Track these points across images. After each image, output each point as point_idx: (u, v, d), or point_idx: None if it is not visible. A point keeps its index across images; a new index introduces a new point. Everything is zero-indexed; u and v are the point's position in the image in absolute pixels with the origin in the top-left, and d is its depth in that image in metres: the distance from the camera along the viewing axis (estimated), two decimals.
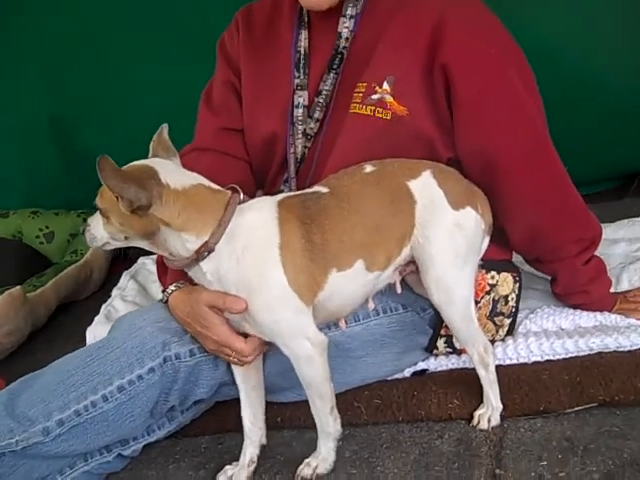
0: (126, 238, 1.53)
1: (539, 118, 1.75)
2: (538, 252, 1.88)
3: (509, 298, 1.88)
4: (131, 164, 1.51)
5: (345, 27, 1.73)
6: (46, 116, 3.25)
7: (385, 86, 1.68)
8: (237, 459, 1.72)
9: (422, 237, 1.61)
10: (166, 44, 3.00)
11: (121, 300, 2.40)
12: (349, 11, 1.74)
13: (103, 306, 2.41)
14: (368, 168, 1.64)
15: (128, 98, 3.13)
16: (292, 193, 1.61)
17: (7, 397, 1.65)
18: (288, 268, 1.50)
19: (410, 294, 1.80)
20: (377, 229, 1.59)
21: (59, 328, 2.70)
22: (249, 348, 1.61)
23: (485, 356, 1.70)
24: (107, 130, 3.20)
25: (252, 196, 1.61)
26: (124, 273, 2.65)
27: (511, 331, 1.92)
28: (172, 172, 1.51)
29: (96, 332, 2.22)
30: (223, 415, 1.86)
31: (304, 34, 1.80)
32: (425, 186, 1.63)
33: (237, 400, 1.76)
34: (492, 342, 1.81)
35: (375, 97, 1.69)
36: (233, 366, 1.68)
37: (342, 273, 1.56)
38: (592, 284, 1.90)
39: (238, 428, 1.80)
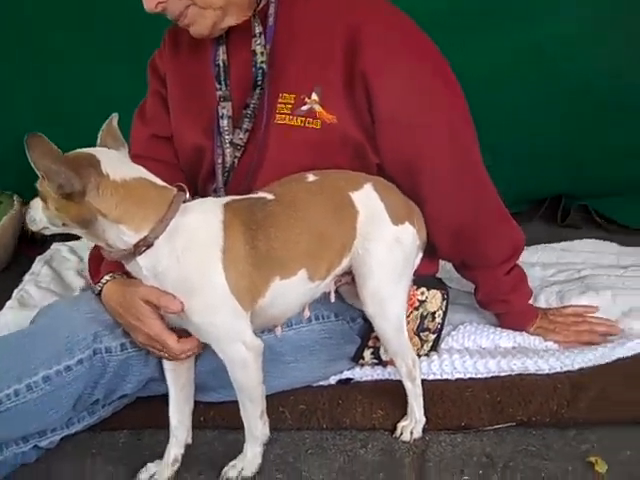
0: (64, 225, 1.49)
1: (459, 118, 1.79)
2: (463, 255, 1.93)
3: (436, 315, 1.93)
4: (74, 151, 1.46)
5: (258, 44, 1.73)
6: None
7: (314, 96, 1.69)
8: (157, 456, 1.69)
9: (362, 249, 1.64)
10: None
11: (35, 286, 2.30)
12: (257, 29, 1.74)
13: (15, 291, 2.30)
14: (311, 177, 1.65)
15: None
16: (238, 197, 1.60)
17: None
18: (230, 273, 1.49)
19: (341, 303, 1.83)
20: (321, 238, 1.60)
21: None
22: (181, 347, 1.59)
23: (413, 370, 1.74)
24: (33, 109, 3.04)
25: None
26: (37, 258, 2.53)
27: (435, 347, 1.97)
28: (114, 163, 1.47)
29: (8, 318, 2.12)
30: (144, 411, 1.82)
31: (222, 48, 1.80)
32: (367, 198, 1.66)
33: (159, 396, 1.74)
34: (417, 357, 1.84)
35: (305, 108, 1.70)
36: (164, 364, 1.65)
37: (285, 281, 1.57)
38: (513, 293, 1.98)
39: (159, 425, 1.78)
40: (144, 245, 1.46)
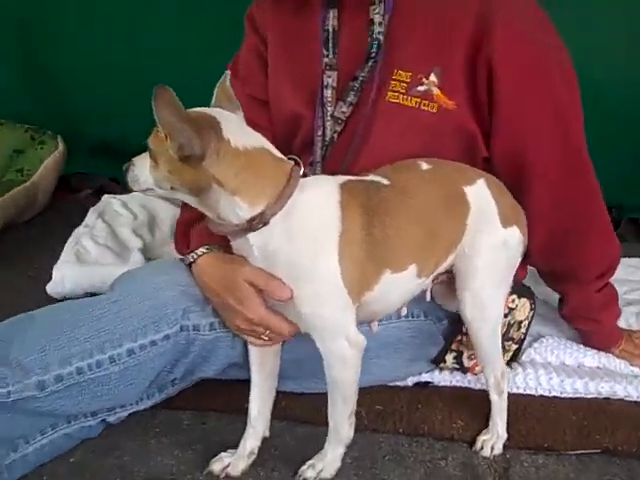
0: (172, 188, 1.36)
1: (575, 117, 1.68)
2: (557, 265, 1.82)
3: (522, 324, 1.83)
4: (194, 109, 1.34)
5: (376, 13, 1.61)
6: (14, 19, 2.92)
7: (432, 77, 1.58)
8: (225, 443, 1.60)
9: (469, 247, 1.54)
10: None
11: (92, 240, 2.17)
12: None
13: (69, 243, 2.17)
14: (424, 165, 1.54)
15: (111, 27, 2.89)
16: (353, 178, 1.48)
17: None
18: (344, 260, 1.38)
19: (430, 302, 1.71)
20: (433, 232, 1.50)
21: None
22: (292, 328, 1.48)
23: (501, 382, 1.66)
24: (77, 51, 2.93)
25: None
26: (90, 210, 2.40)
27: (515, 357, 1.88)
28: (236, 128, 1.35)
29: (65, 272, 2.01)
30: (209, 392, 1.72)
31: (332, 12, 1.67)
32: (480, 195, 1.56)
33: (224, 380, 1.67)
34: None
35: (421, 89, 1.58)
36: (251, 350, 1.55)
37: (394, 275, 1.46)
38: (603, 312, 1.88)
39: (224, 409, 1.72)
40: (260, 222, 1.34)
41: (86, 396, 1.46)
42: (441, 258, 1.53)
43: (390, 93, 1.60)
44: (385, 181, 1.47)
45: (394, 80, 1.60)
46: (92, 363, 1.44)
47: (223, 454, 1.56)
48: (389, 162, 1.55)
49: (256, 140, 1.37)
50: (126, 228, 2.27)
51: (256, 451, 1.56)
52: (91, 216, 2.35)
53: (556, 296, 1.96)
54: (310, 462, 1.53)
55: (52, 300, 2.04)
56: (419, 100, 1.58)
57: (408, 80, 1.59)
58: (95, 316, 1.47)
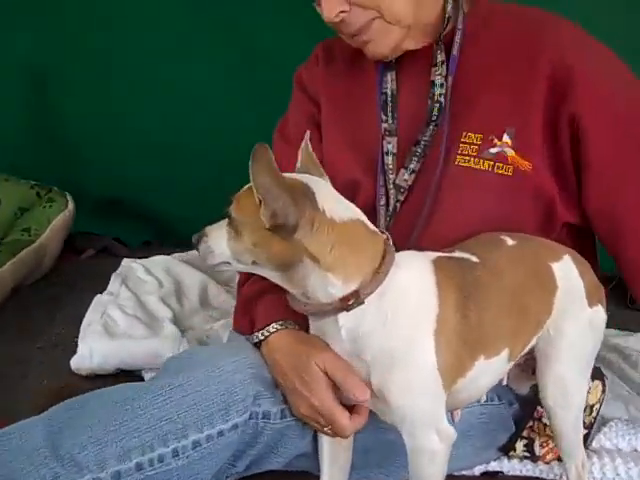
0: (254, 263, 1.22)
1: None
2: None
3: (594, 408, 1.69)
4: (285, 174, 1.21)
5: (438, 74, 1.53)
6: (18, 67, 2.80)
7: (505, 138, 1.48)
8: None
9: (554, 329, 1.42)
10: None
11: (119, 310, 2.01)
12: (439, 57, 1.53)
13: (94, 313, 2.01)
14: (509, 241, 1.43)
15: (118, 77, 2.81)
16: (442, 254, 1.36)
17: (47, 428, 1.27)
18: (441, 346, 1.25)
19: (500, 385, 1.59)
20: (523, 313, 1.37)
21: (3, 317, 2.25)
22: (354, 426, 1.34)
23: (582, 473, 1.53)
24: (86, 104, 2.84)
25: None
26: (113, 275, 2.24)
27: (585, 443, 1.73)
28: (329, 197, 1.23)
29: (93, 345, 1.84)
30: None
31: (390, 75, 1.59)
32: (566, 272, 1.44)
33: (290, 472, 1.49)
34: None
35: (494, 151, 1.48)
36: (322, 441, 1.40)
37: (488, 361, 1.33)
38: None
39: None
40: (356, 302, 1.21)
41: None
42: (529, 340, 1.41)
43: (460, 157, 1.49)
44: (474, 258, 1.36)
45: (463, 143, 1.50)
46: (153, 458, 1.27)
47: None
48: (461, 231, 1.45)
49: (351, 211, 1.25)
50: (152, 296, 2.12)
51: None
52: (114, 283, 2.19)
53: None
54: None
55: (73, 375, 1.87)
56: (492, 163, 1.48)
57: (479, 142, 1.49)
58: (157, 403, 1.30)
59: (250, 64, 2.68)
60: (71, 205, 2.66)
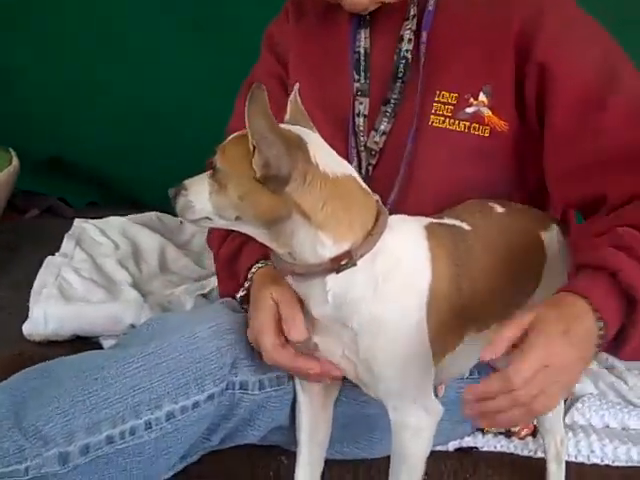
0: (237, 218, 1.13)
1: None
2: None
3: None
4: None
5: (407, 29, 1.46)
6: None
7: (481, 97, 1.41)
8: None
9: (540, 300, 1.33)
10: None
11: (74, 273, 1.87)
12: (412, 11, 1.46)
13: (47, 276, 1.87)
14: (498, 208, 1.38)
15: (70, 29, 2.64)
16: (434, 219, 1.29)
17: (10, 399, 1.17)
18: (431, 317, 1.19)
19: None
20: (513, 285, 1.31)
21: None
22: (273, 356, 1.25)
23: (561, 449, 1.52)
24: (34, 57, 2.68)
25: None
26: (66, 236, 2.09)
27: None
28: (322, 150, 1.15)
29: (48, 309, 1.71)
30: (234, 459, 1.47)
31: (364, 32, 1.51)
32: (554, 242, 1.40)
33: (250, 446, 1.42)
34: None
35: (470, 110, 1.41)
36: (300, 413, 1.33)
37: (478, 335, 1.28)
38: None
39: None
40: (349, 262, 1.13)
41: (112, 471, 1.20)
42: (516, 312, 1.34)
43: (434, 117, 1.42)
44: (466, 226, 1.30)
45: (437, 102, 1.42)
46: (125, 430, 1.19)
47: None
48: (437, 194, 1.40)
49: (344, 167, 1.17)
50: (109, 259, 1.99)
51: None
52: (68, 244, 2.05)
53: None
54: None
55: (25, 342, 1.75)
56: (468, 123, 1.41)
57: (454, 102, 1.41)
58: (128, 371, 1.21)
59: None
60: (15, 161, 2.48)
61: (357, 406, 1.40)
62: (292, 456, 1.37)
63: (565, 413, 1.73)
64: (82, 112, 2.72)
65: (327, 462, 1.46)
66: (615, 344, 1.17)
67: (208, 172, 1.15)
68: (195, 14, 2.58)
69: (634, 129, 1.33)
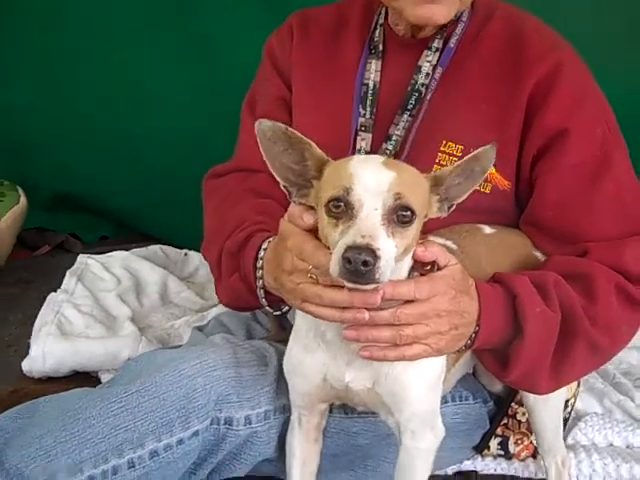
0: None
1: None
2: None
3: (569, 403, 1.65)
4: None
5: (427, 60, 1.43)
6: None
7: None
8: None
9: None
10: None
11: (74, 309, 1.91)
12: (435, 43, 1.44)
13: (47, 312, 1.91)
14: (487, 229, 1.39)
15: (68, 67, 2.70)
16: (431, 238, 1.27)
17: None
18: None
19: (475, 383, 1.54)
20: None
21: None
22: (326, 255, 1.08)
23: (562, 470, 1.52)
24: (26, 89, 2.75)
25: None
26: (68, 272, 2.14)
27: None
28: None
29: (46, 347, 1.74)
30: None
31: (375, 65, 1.47)
32: None
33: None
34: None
35: None
36: (294, 447, 1.32)
37: (468, 351, 1.30)
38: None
39: None
40: None
41: None
42: None
43: (437, 167, 1.39)
44: (452, 245, 1.31)
45: (442, 152, 1.40)
46: (107, 470, 1.19)
47: None
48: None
49: None
50: (110, 294, 2.03)
51: None
52: (69, 280, 2.09)
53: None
54: None
55: (25, 378, 1.77)
56: None
57: (459, 154, 1.39)
58: (111, 411, 1.21)
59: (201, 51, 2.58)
60: (23, 199, 2.54)
61: (347, 437, 1.39)
62: None
63: (568, 433, 1.72)
64: (88, 150, 2.78)
65: None
66: (499, 366, 1.29)
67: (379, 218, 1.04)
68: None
69: (616, 213, 1.37)
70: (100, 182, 2.83)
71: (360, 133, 1.46)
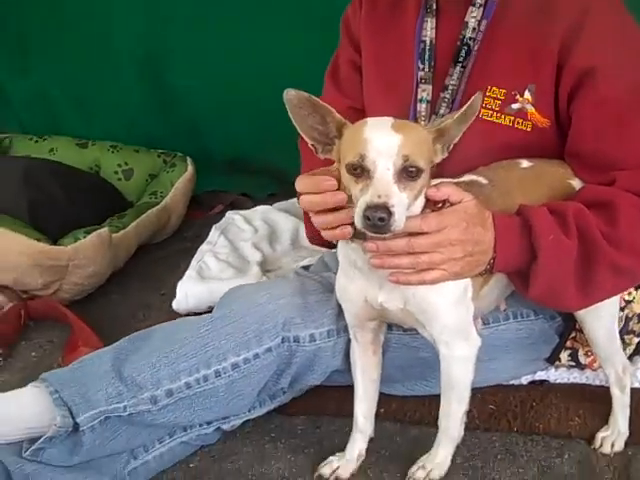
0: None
1: None
2: None
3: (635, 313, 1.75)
4: None
5: (473, 16, 1.56)
6: (136, 51, 3.09)
7: (527, 95, 1.52)
8: (336, 447, 1.64)
9: None
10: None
11: (214, 257, 2.27)
12: None
13: (193, 261, 2.29)
14: (524, 163, 1.53)
15: (227, 50, 2.97)
16: (449, 180, 1.45)
17: (114, 357, 1.55)
18: None
19: None
20: None
21: (135, 272, 2.58)
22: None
23: (623, 377, 1.62)
24: (200, 74, 3.05)
25: None
26: (214, 227, 2.51)
27: (638, 350, 1.80)
28: None
29: (188, 289, 2.11)
30: (322, 398, 1.77)
31: (430, 22, 1.62)
32: None
33: (337, 386, 1.70)
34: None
35: (515, 106, 1.53)
36: (355, 358, 1.57)
37: None
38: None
39: (337, 413, 1.75)
40: None
41: (197, 408, 1.54)
42: None
43: (484, 111, 1.54)
44: (483, 180, 1.47)
45: (488, 97, 1.55)
46: (199, 377, 1.52)
47: (332, 458, 1.59)
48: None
49: None
50: (247, 243, 2.36)
51: (364, 453, 1.59)
52: (214, 233, 2.45)
53: None
54: (420, 463, 1.55)
55: (180, 316, 2.15)
56: (513, 118, 1.54)
57: (502, 97, 1.54)
58: (201, 333, 1.55)
59: None
60: (191, 167, 2.93)
61: (409, 351, 1.61)
62: None
63: None
64: (253, 119, 3.03)
65: (397, 397, 1.74)
66: (523, 286, 1.44)
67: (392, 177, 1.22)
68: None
69: None
70: (265, 146, 3.14)
71: (420, 85, 1.64)
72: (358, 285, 1.43)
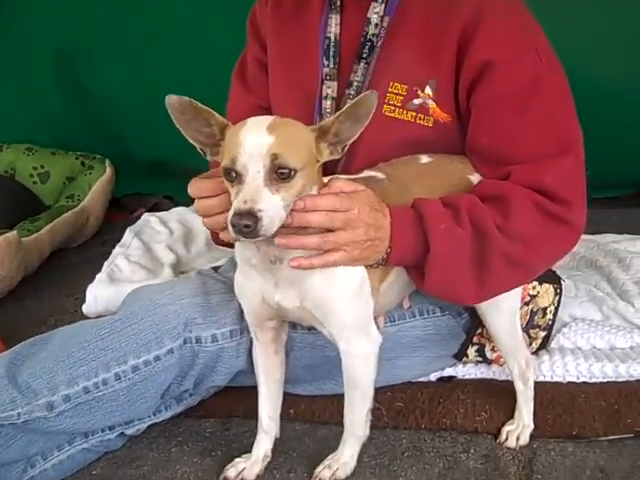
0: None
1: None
2: None
3: (547, 310, 1.78)
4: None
5: (375, 12, 1.57)
6: (52, 51, 3.05)
7: (427, 90, 1.53)
8: (245, 449, 1.61)
9: None
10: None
11: (125, 259, 2.24)
12: None
13: (105, 264, 2.25)
14: (424, 159, 1.53)
15: (146, 50, 2.96)
16: (346, 176, 1.46)
17: (9, 362, 1.50)
18: None
19: None
20: None
21: (49, 276, 2.53)
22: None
23: (526, 370, 1.64)
24: (120, 75, 3.02)
25: None
26: (128, 229, 2.48)
27: (544, 345, 1.83)
28: None
29: (97, 292, 2.08)
30: (231, 400, 1.74)
31: (335, 18, 1.63)
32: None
33: (247, 387, 1.66)
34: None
35: (417, 102, 1.54)
36: (257, 358, 1.56)
37: None
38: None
39: (246, 415, 1.73)
40: None
41: (97, 413, 1.50)
42: None
43: (386, 106, 1.55)
44: (380, 175, 1.47)
45: (390, 93, 1.55)
46: (98, 382, 1.48)
47: (237, 459, 1.57)
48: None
49: None
50: (161, 244, 2.33)
51: (270, 453, 1.58)
52: (128, 235, 2.42)
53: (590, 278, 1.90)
54: (326, 462, 1.53)
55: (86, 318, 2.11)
56: (414, 114, 1.54)
57: (404, 93, 1.54)
58: (100, 335, 1.51)
59: None
60: (109, 170, 2.89)
61: (314, 350, 1.60)
62: None
63: (552, 338, 1.84)
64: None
65: (306, 397, 1.73)
66: (420, 279, 1.45)
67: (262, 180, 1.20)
68: None
69: (542, 136, 1.47)
70: (187, 147, 3.11)
71: (325, 82, 1.63)
72: (255, 284, 1.41)
